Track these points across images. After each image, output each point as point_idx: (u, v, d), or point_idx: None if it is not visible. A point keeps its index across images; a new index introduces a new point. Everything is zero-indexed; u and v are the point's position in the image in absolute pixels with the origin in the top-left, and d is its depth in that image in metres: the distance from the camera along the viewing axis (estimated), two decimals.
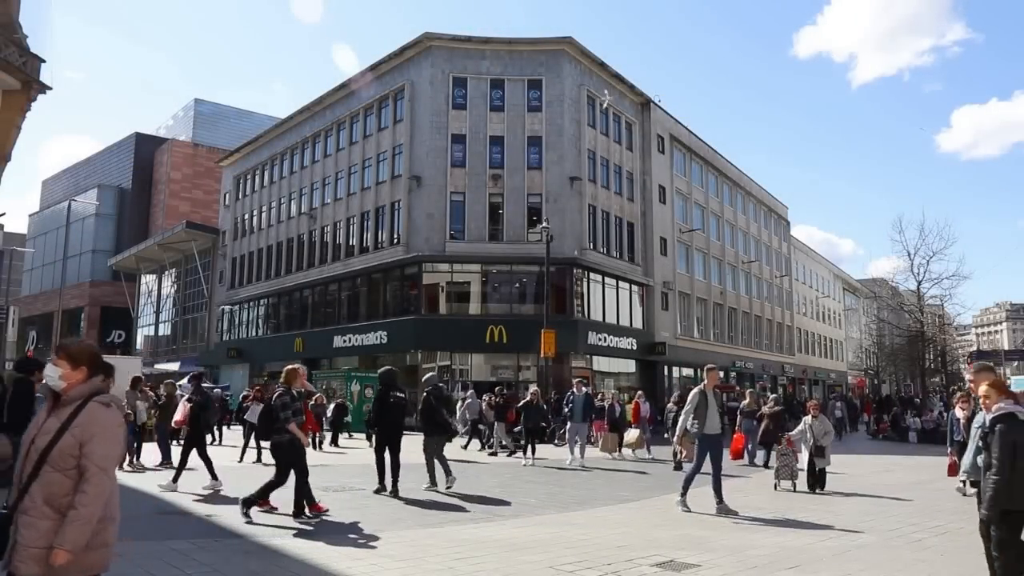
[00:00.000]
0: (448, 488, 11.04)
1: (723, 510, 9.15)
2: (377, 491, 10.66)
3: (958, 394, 12.64)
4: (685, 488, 9.45)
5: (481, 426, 20.80)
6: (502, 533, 7.87)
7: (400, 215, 33.25)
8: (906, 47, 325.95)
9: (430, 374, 12.86)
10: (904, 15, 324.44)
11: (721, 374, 10.19)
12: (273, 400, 8.33)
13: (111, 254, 60.25)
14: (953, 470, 11.18)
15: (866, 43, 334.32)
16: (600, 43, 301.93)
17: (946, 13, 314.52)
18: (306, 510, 8.41)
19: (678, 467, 15.11)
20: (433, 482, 11.27)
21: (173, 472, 11.72)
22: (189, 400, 11.60)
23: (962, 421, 11.13)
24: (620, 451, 17.94)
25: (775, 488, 11.45)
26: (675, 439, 9.48)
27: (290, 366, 8.86)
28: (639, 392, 20.93)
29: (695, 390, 9.66)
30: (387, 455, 10.71)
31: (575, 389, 16.31)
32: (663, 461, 16.76)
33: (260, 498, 8.40)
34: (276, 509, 8.72)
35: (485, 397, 21.59)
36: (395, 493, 10.40)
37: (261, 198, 44.43)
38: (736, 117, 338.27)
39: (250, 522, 8.05)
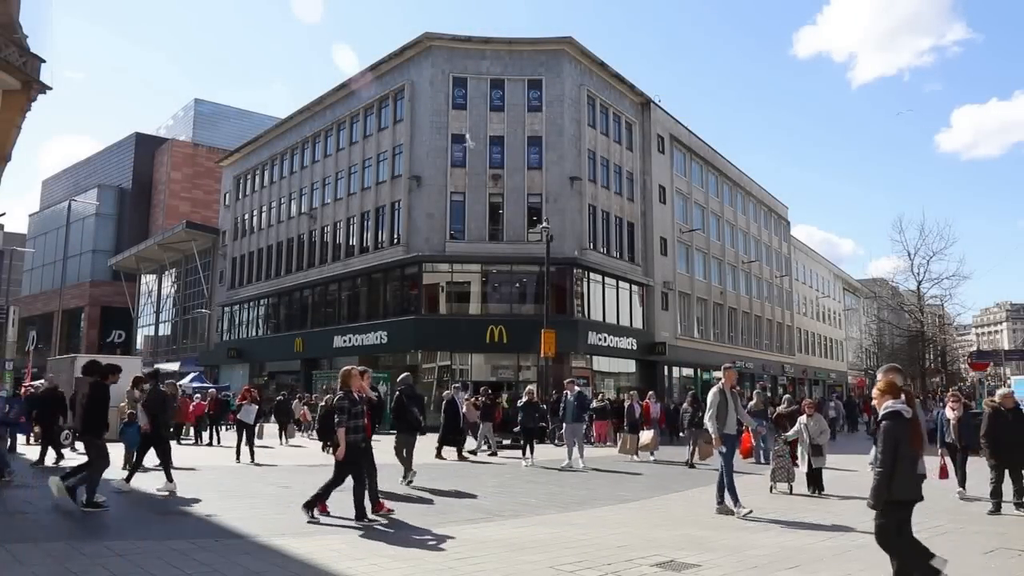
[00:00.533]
0: (407, 483, 11.48)
1: (722, 511, 9.13)
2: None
3: (949, 393, 12.41)
4: (733, 495, 9.11)
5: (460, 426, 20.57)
6: (502, 533, 7.87)
7: (400, 215, 33.26)
8: (906, 47, 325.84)
9: (404, 375, 13.29)
10: (904, 15, 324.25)
11: (737, 373, 10.00)
12: (334, 403, 8.40)
13: (111, 254, 60.26)
14: (944, 472, 10.96)
15: (866, 43, 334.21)
16: (600, 43, 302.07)
17: (946, 13, 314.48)
18: (315, 510, 8.40)
19: (691, 466, 15.54)
20: (410, 472, 11.69)
21: (174, 470, 11.73)
22: (144, 404, 11.11)
23: (951, 422, 11.01)
24: (639, 453, 17.46)
25: (771, 491, 11.40)
26: (714, 443, 9.25)
27: (345, 368, 8.81)
28: (650, 392, 20.78)
29: (714, 390, 9.42)
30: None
31: (567, 390, 16.33)
32: (663, 462, 16.77)
33: (371, 504, 8.46)
34: (392, 511, 8.78)
35: (469, 397, 21.57)
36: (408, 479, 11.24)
37: (261, 198, 44.45)
38: (736, 117, 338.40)
39: (369, 523, 8.13)
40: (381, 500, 8.85)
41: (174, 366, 45.88)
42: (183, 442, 21.39)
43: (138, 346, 57.33)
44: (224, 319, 46.23)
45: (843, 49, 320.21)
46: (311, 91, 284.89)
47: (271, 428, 25.00)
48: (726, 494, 9.20)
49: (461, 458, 16.91)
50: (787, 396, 18.40)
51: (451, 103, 32.47)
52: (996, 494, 9.63)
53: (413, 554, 6.71)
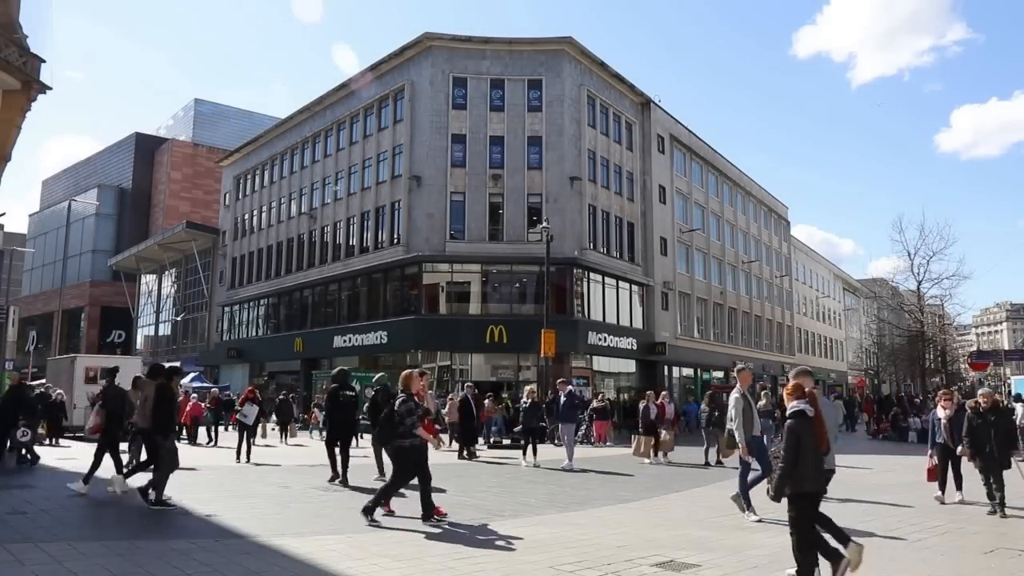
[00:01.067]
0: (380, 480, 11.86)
1: (736, 500, 9.02)
2: (331, 480, 11.70)
3: (940, 392, 12.04)
4: (747, 500, 9.00)
5: (437, 425, 20.75)
6: (502, 533, 7.88)
7: (400, 215, 33.26)
8: (906, 47, 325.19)
9: (379, 375, 13.64)
10: (904, 15, 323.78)
11: (752, 374, 9.63)
12: (397, 407, 8.37)
13: (111, 254, 60.27)
14: (933, 475, 10.77)
15: (866, 43, 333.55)
16: (600, 43, 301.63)
17: (946, 13, 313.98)
18: (433, 517, 8.38)
19: (708, 465, 15.74)
20: (382, 472, 11.92)
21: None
22: (103, 406, 10.80)
23: (943, 420, 10.67)
24: (657, 456, 17.02)
25: (768, 493, 11.16)
26: (743, 451, 9.02)
27: (405, 371, 8.83)
28: (663, 393, 20.51)
29: (735, 395, 9.12)
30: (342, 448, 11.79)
31: (560, 390, 16.41)
32: (677, 464, 16.76)
33: (382, 499, 8.44)
34: (394, 512, 8.75)
35: (453, 397, 21.97)
36: (344, 482, 11.34)
37: (261, 198, 44.45)
38: (736, 117, 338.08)
39: (376, 524, 8.07)
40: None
41: (174, 366, 45.92)
42: (180, 441, 21.36)
43: (138, 346, 57.33)
44: (224, 319, 46.23)
45: (843, 49, 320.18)
46: (311, 91, 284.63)
47: (272, 428, 25.03)
48: (748, 492, 9.02)
49: (461, 457, 16.94)
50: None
51: (451, 103, 32.46)
52: (992, 496, 9.57)
53: (413, 554, 6.71)
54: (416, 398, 8.44)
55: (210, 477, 13.02)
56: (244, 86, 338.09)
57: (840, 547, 5.65)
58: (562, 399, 16.08)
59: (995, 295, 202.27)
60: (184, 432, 22.54)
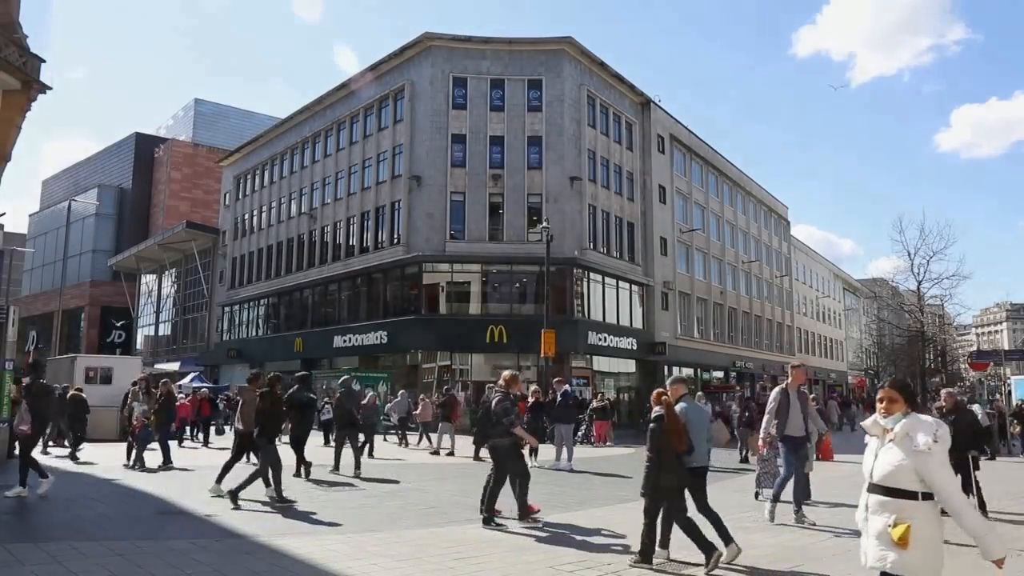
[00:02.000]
0: (353, 476, 12.59)
1: (800, 519, 8.50)
2: (296, 475, 12.37)
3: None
4: (776, 496, 8.66)
5: (411, 424, 21.71)
6: (502, 533, 7.88)
7: (400, 215, 33.26)
8: (905, 47, 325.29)
9: (345, 376, 14.57)
10: (903, 14, 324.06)
11: (805, 373, 9.36)
12: (494, 405, 8.38)
13: (111, 254, 60.28)
14: None
15: (865, 43, 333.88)
16: (600, 43, 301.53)
17: (945, 13, 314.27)
18: (530, 516, 8.38)
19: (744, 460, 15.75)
20: (336, 467, 13.13)
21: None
22: (28, 402, 10.11)
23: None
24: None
25: (756, 497, 10.48)
26: (760, 443, 8.89)
27: (509, 372, 8.94)
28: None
29: (776, 389, 8.86)
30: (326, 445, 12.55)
31: (556, 389, 16.48)
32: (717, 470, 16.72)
33: (493, 503, 8.34)
34: (540, 509, 8.77)
35: (429, 396, 22.62)
36: (307, 476, 12.23)
37: (261, 198, 44.45)
38: (737, 117, 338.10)
39: (501, 528, 8.06)
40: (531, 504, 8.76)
41: (174, 366, 45.95)
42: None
43: (138, 346, 57.35)
44: (224, 319, 46.22)
45: (842, 49, 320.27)
46: (311, 91, 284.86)
47: None
48: (794, 497, 8.67)
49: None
50: (812, 395, 18.46)
51: (451, 103, 32.46)
52: (979, 501, 9.47)
53: (413, 554, 6.71)
54: (516, 395, 8.67)
55: (209, 477, 12.98)
56: (244, 86, 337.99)
57: (722, 544, 6.33)
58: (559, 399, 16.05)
59: (995, 295, 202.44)
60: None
